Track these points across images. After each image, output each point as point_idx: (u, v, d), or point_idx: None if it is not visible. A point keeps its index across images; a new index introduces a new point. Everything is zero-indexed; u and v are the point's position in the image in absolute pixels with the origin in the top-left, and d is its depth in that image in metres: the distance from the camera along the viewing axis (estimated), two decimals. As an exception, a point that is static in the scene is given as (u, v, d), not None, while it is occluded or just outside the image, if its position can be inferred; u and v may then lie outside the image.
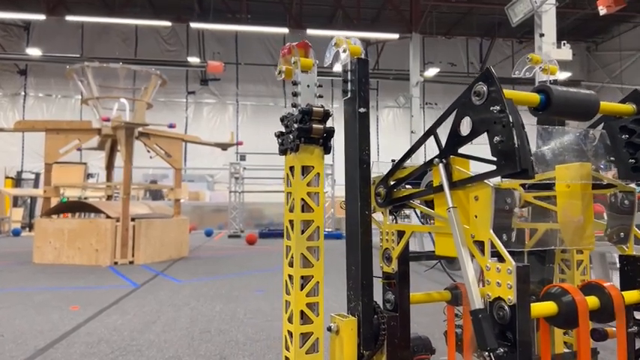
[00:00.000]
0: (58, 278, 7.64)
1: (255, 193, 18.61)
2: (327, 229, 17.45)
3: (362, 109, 1.76)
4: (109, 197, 11.32)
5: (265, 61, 24.49)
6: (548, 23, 10.49)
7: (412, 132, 18.06)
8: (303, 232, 1.79)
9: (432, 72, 22.27)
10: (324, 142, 1.82)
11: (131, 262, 9.33)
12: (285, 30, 19.99)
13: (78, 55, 22.12)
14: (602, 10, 13.60)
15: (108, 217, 10.37)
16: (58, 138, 9.90)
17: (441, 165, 1.49)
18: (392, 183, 1.78)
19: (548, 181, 1.83)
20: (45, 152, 9.90)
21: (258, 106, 24.57)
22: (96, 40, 22.93)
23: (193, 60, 22.15)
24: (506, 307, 1.25)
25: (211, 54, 23.42)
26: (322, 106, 1.77)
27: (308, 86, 1.83)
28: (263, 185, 19.37)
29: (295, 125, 1.76)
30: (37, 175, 22.12)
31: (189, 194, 21.16)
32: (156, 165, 16.33)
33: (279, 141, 1.86)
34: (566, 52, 10.41)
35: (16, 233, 17.05)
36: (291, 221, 1.82)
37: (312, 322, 1.77)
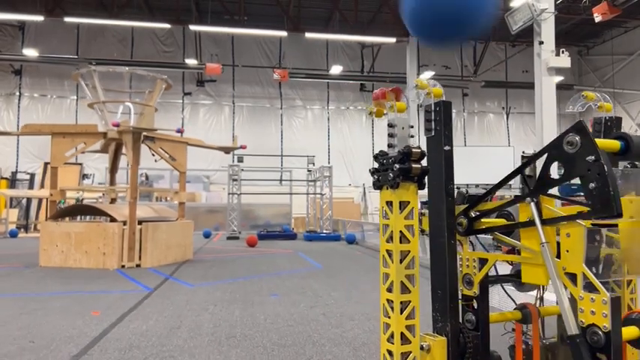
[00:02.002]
0: (70, 282, 7.71)
1: (249, 195, 18.67)
2: (325, 231, 17.60)
3: (447, 147, 1.90)
4: (112, 200, 11.38)
5: (262, 63, 24.61)
6: (547, 31, 10.71)
7: (411, 136, 18.22)
8: (401, 261, 1.94)
9: (427, 75, 22.51)
10: (419, 179, 1.96)
11: (138, 266, 9.41)
12: (283, 33, 20.13)
13: (74, 56, 22.07)
14: (598, 18, 13.96)
15: (112, 220, 10.43)
16: (64, 141, 9.94)
17: (532, 204, 1.65)
18: (473, 215, 1.94)
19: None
20: (51, 156, 9.94)
21: (254, 107, 24.67)
22: (92, 40, 22.87)
23: (191, 62, 22.19)
24: (601, 333, 1.43)
25: (208, 55, 23.46)
26: (419, 147, 1.92)
27: (403, 128, 1.97)
28: (258, 186, 19.50)
29: (397, 165, 1.89)
30: (32, 175, 22.07)
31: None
32: (151, 166, 16.38)
33: (375, 177, 2.01)
34: (564, 60, 10.66)
35: (13, 234, 17.01)
36: (388, 251, 1.97)
37: (410, 342, 1.94)
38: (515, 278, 1.96)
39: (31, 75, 22.77)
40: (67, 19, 17.97)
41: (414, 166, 1.93)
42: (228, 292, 6.92)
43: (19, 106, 22.64)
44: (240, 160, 18.74)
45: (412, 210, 1.99)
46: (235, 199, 17.70)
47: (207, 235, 17.65)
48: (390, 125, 1.98)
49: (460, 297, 2.06)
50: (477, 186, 25.64)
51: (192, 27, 19.56)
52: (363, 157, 25.23)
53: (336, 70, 23.26)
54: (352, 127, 25.56)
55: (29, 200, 20.90)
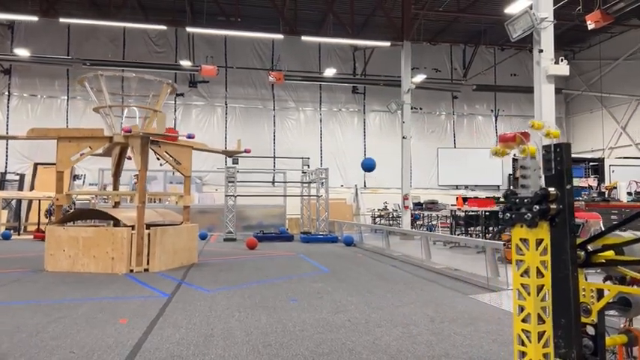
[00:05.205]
0: (84, 288, 7.70)
1: (244, 196, 18.67)
2: (321, 233, 17.72)
3: (569, 186, 2.03)
4: (116, 203, 11.35)
5: (255, 65, 24.63)
6: (547, 39, 10.93)
7: (404, 137, 18.46)
8: (537, 294, 2.07)
9: (419, 78, 22.73)
10: (552, 218, 2.08)
11: (146, 270, 9.42)
12: (279, 36, 20.19)
13: (65, 56, 21.82)
14: (591, 25, 14.31)
15: (116, 223, 10.44)
16: (70, 146, 9.91)
17: None
18: (591, 249, 2.08)
19: None
20: (57, 160, 9.89)
21: (246, 108, 24.67)
22: (83, 40, 22.61)
23: (185, 63, 22.12)
24: None
25: (200, 56, 23.41)
26: (555, 190, 2.04)
27: (534, 170, 2.09)
28: (251, 187, 19.54)
29: (536, 207, 2.01)
30: (22, 176, 21.79)
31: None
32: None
33: (509, 215, 2.12)
34: (563, 68, 10.89)
35: (6, 237, 16.79)
36: (523, 284, 2.10)
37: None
38: (621, 305, 2.12)
39: (21, 75, 22.44)
40: (63, 20, 17.78)
41: (552, 207, 2.06)
42: (246, 297, 7.00)
43: (8, 106, 22.29)
44: (236, 162, 18.75)
45: (546, 247, 2.12)
46: (232, 201, 17.71)
47: (203, 237, 17.61)
48: (523, 167, 2.10)
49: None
50: (466, 187, 26.07)
51: (189, 29, 19.50)
52: (355, 158, 25.40)
53: (329, 72, 23.39)
54: (344, 128, 25.72)
55: (19, 201, 20.62)
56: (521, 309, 2.16)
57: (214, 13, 20.38)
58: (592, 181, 17.96)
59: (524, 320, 2.14)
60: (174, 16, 20.71)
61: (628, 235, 2.09)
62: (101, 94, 10.30)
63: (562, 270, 2.08)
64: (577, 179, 17.35)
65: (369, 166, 14.66)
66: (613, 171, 19.22)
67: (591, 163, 20.12)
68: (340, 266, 10.52)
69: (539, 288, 2.14)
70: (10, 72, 22.34)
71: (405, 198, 18.25)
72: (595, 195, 14.18)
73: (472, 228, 15.80)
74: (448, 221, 17.41)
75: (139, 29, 22.49)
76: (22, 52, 20.61)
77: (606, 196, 13.67)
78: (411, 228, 18.38)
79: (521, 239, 2.17)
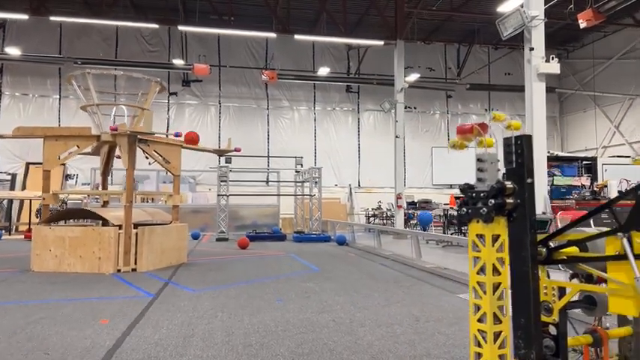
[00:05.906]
0: (69, 288, 7.62)
1: (237, 195, 18.59)
2: (314, 232, 17.65)
3: (529, 180, 1.95)
4: (105, 203, 11.26)
5: (248, 64, 24.53)
6: (537, 37, 10.90)
7: (397, 136, 18.41)
8: (493, 292, 1.99)
9: (412, 77, 22.67)
10: (509, 213, 2.00)
11: (134, 270, 9.34)
12: (272, 35, 20.12)
13: (58, 55, 21.69)
14: (583, 24, 14.28)
15: (105, 223, 10.34)
16: (58, 144, 9.81)
17: (624, 239, 1.73)
18: (552, 245, 2.01)
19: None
20: (44, 158, 9.80)
21: (240, 107, 24.57)
22: (75, 39, 22.48)
23: (178, 62, 22.02)
24: None
25: (193, 55, 23.32)
26: (511, 183, 1.96)
27: (492, 163, 2.01)
28: (245, 187, 19.47)
29: (492, 201, 1.93)
30: (14, 175, 21.65)
31: (171, 196, 20.96)
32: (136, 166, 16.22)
33: (465, 210, 2.05)
34: (554, 66, 10.86)
35: (-4, 237, 16.67)
36: (479, 282, 2.02)
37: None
38: (586, 304, 2.05)
39: (12, 73, 22.29)
40: (53, 18, 17.66)
41: (508, 201, 1.98)
42: (231, 297, 6.93)
43: (-1, 105, 22.17)
44: (229, 161, 18.65)
45: (503, 243, 2.04)
46: (224, 201, 17.62)
47: (195, 237, 17.54)
48: (480, 160, 2.03)
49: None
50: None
51: (181, 27, 19.41)
52: (349, 157, 25.38)
53: (323, 71, 23.33)
54: (338, 128, 25.65)
55: (11, 201, 20.48)
56: (477, 308, 2.09)
57: (207, 11, 20.30)
58: (585, 180, 17.91)
59: (479, 320, 2.06)
60: (167, 14, 20.62)
61: (592, 230, 2.03)
62: (89, 92, 10.21)
63: (521, 267, 2.01)
64: (570, 178, 17.30)
65: (426, 221, 15.49)
66: (606, 170, 19.19)
67: (584, 162, 20.07)
68: (331, 265, 10.45)
69: (496, 286, 2.06)
70: (1, 71, 22.19)
71: (399, 197, 18.20)
72: (587, 194, 14.16)
73: (465, 227, 15.76)
74: (442, 220, 17.40)
75: (131, 28, 22.37)
76: (14, 51, 20.49)
77: (597, 194, 13.64)
78: (405, 227, 18.34)
79: (477, 235, 2.10)
